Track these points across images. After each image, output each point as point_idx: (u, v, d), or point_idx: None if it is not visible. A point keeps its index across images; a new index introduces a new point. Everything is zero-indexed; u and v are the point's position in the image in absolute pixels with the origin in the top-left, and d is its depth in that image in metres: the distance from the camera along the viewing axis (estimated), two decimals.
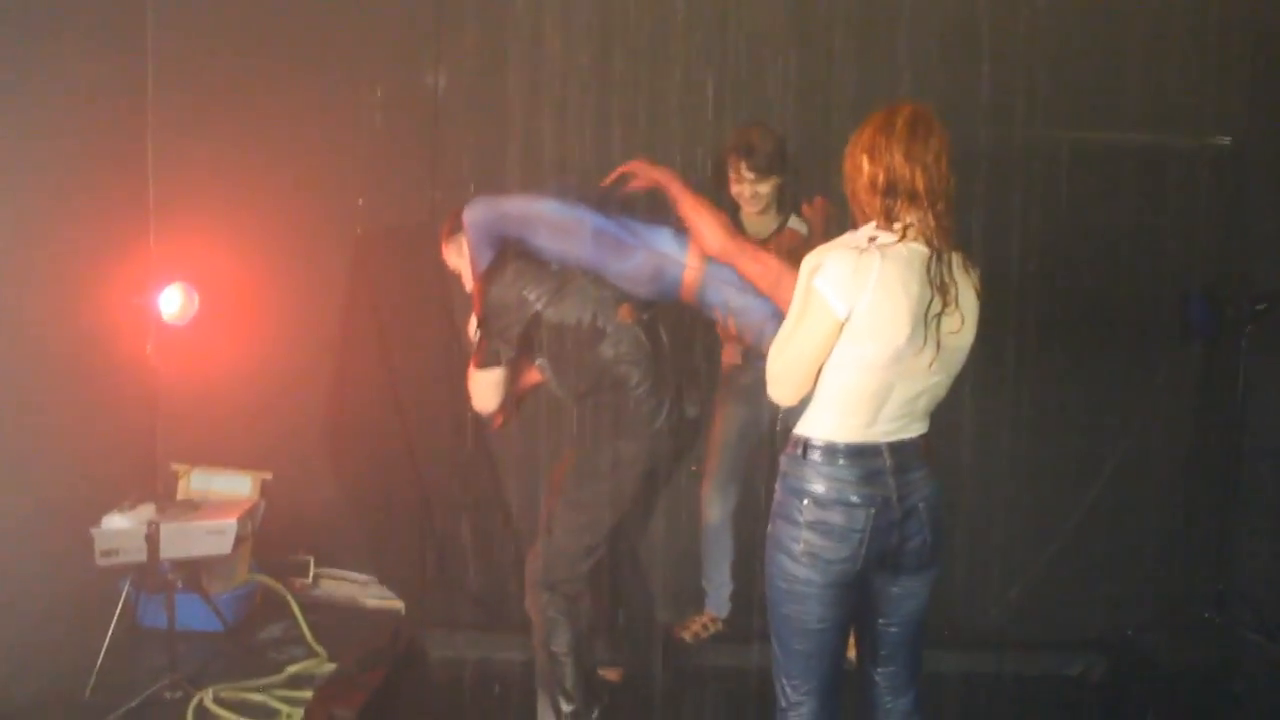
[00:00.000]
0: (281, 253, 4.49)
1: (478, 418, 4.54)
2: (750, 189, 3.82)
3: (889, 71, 3.90)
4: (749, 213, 3.88)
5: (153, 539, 3.75)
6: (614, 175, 3.27)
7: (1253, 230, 4.10)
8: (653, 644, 3.84)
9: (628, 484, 3.34)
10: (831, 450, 2.45)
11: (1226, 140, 4.27)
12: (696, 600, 4.27)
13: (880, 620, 2.61)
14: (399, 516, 4.57)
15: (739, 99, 4.05)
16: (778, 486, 2.54)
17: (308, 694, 3.87)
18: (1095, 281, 4.27)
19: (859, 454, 2.45)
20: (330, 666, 4.10)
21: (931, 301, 2.36)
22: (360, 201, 4.50)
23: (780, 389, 2.48)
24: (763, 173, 3.79)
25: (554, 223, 3.25)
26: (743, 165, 3.80)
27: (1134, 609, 4.24)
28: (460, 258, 3.48)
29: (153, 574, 3.85)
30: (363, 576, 4.75)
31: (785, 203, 3.92)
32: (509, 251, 3.30)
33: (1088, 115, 4.27)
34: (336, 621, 4.50)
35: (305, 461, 4.60)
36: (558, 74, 4.17)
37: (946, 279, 2.38)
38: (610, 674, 3.78)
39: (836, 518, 2.44)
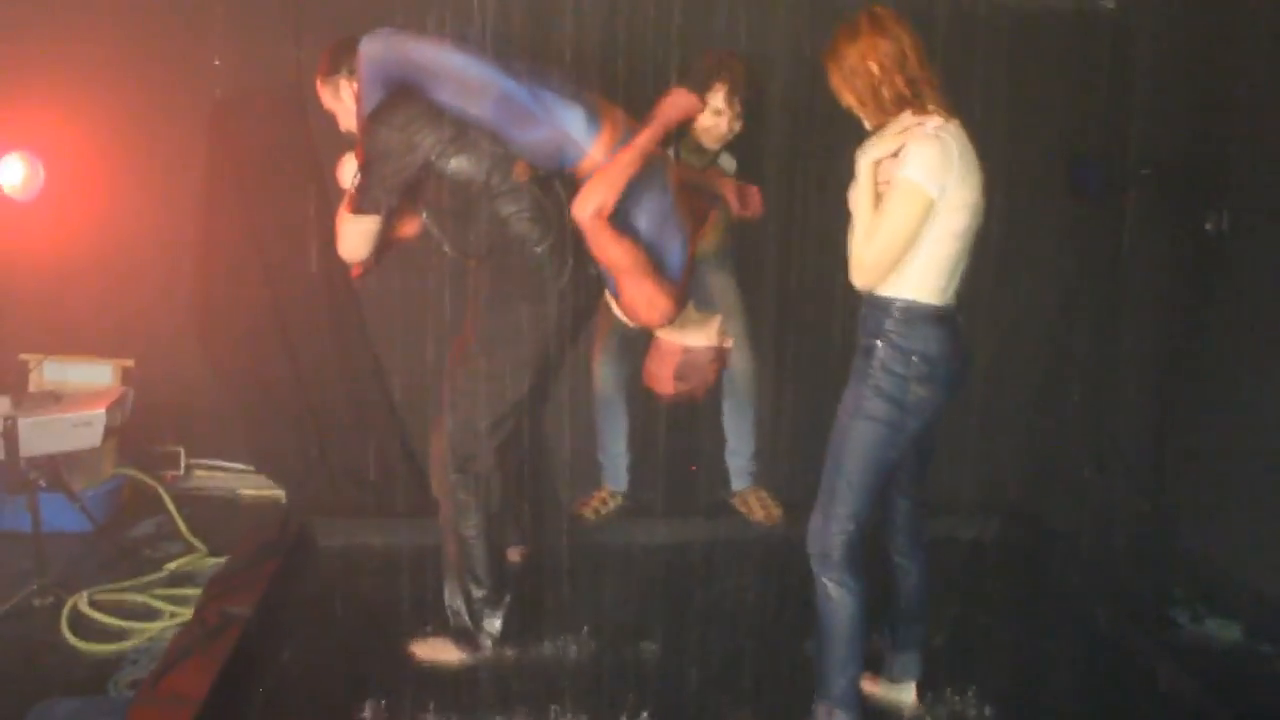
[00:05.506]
0: (134, 120, 4.08)
1: (354, 290, 4.33)
2: (728, 125, 3.72)
3: None
4: (704, 141, 3.76)
5: (10, 435, 3.42)
6: None
7: (1138, 95, 4.12)
8: (554, 522, 3.76)
9: (533, 349, 3.19)
10: (928, 313, 2.70)
11: (1110, 3, 4.27)
12: (593, 475, 4.20)
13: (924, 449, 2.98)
14: (274, 400, 4.29)
15: None
16: (879, 345, 2.72)
17: (191, 591, 3.69)
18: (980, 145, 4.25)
19: (947, 315, 2.73)
20: (212, 562, 3.91)
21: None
22: (217, 62, 4.11)
23: (870, 276, 2.69)
24: (744, 111, 3.69)
25: (462, 79, 3.01)
26: (735, 100, 3.68)
27: (1014, 470, 4.38)
28: (336, 100, 3.23)
29: (13, 473, 3.54)
30: (238, 465, 4.52)
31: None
32: (403, 93, 3.05)
33: None
34: (213, 514, 4.30)
35: (170, 346, 4.27)
36: None
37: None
38: (513, 555, 3.65)
39: (938, 370, 2.72)
